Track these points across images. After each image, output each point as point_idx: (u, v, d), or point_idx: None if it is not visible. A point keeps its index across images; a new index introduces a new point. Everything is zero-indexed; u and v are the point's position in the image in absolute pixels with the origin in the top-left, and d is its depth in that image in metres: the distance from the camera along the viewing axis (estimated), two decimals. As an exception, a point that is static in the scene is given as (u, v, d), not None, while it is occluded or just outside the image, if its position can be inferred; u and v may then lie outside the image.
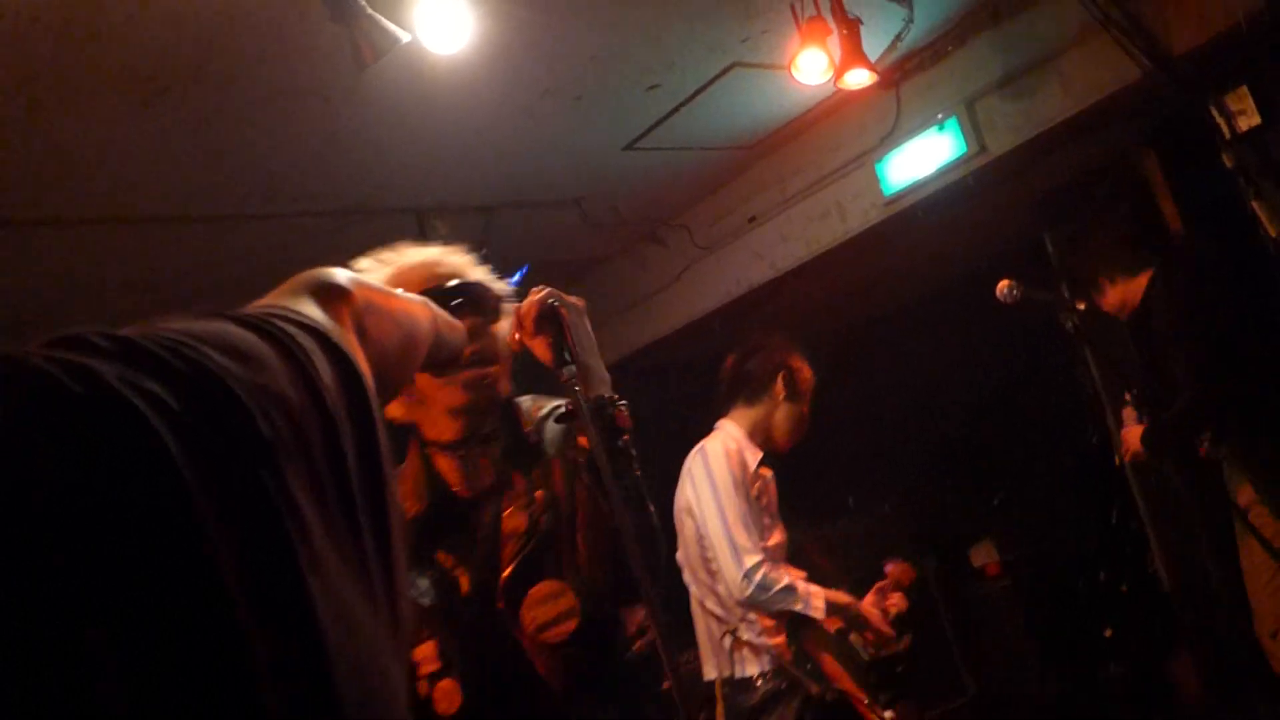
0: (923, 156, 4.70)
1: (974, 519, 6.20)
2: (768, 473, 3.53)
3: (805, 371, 3.62)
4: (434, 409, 1.82)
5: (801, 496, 6.43)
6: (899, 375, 6.59)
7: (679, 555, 3.47)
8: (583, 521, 1.74)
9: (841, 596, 3.34)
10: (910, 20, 4.17)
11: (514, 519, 1.80)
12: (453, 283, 1.78)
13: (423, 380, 1.77)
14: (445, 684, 1.70)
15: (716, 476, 3.36)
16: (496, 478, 1.84)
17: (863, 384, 6.95)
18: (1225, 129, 4.11)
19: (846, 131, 5.01)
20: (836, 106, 4.87)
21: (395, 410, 1.84)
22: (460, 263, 1.87)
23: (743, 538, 3.25)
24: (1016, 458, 6.08)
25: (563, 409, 1.72)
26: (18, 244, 4.03)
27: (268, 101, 3.43)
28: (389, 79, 3.39)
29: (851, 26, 3.71)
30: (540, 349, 1.71)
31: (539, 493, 1.81)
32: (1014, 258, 5.03)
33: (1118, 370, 4.23)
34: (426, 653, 1.71)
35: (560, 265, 5.80)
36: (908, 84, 4.72)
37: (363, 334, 0.79)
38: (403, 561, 0.70)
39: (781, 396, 3.55)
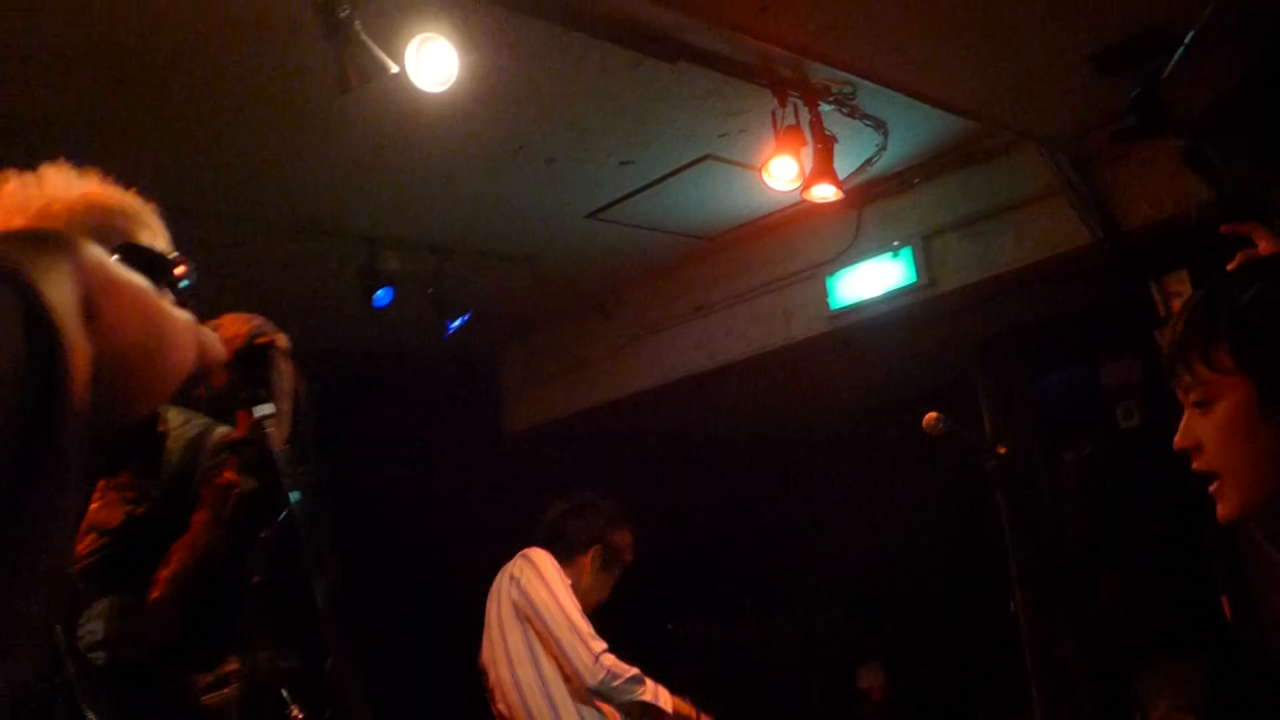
0: (873, 278, 4.80)
1: (866, 641, 6.22)
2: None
3: (626, 546, 3.58)
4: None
5: (699, 586, 6.43)
6: (816, 488, 6.64)
7: (491, 673, 3.43)
8: (189, 544, 1.58)
9: (684, 706, 3.35)
10: (883, 148, 4.28)
11: (104, 512, 1.60)
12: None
13: None
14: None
15: (548, 575, 3.35)
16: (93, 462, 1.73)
17: (779, 490, 6.99)
18: (1161, 307, 4.26)
19: (804, 241, 5.11)
20: (798, 215, 4.96)
21: None
22: (136, 213, 1.54)
23: (586, 626, 3.26)
24: (917, 588, 6.13)
25: (240, 442, 1.56)
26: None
27: (242, 102, 3.41)
28: (368, 106, 3.39)
29: (826, 142, 3.81)
30: (219, 380, 1.50)
31: (154, 492, 1.63)
32: (946, 392, 5.13)
33: (1025, 518, 4.31)
34: None
35: (503, 318, 5.80)
36: (870, 206, 4.83)
37: (94, 314, 0.59)
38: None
39: (590, 568, 3.50)
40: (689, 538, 6.73)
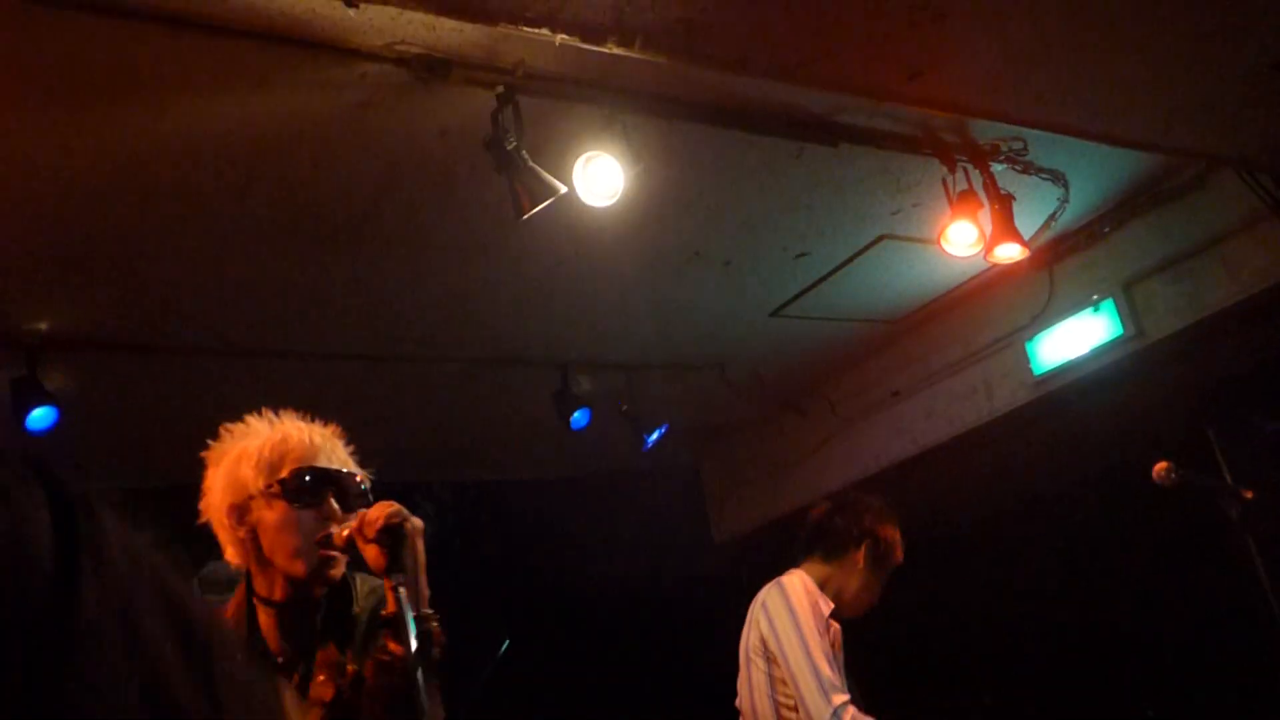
0: (1076, 337, 4.58)
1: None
2: (838, 625, 3.34)
3: (895, 544, 3.44)
4: (272, 570, 1.96)
5: (930, 685, 6.11)
6: (1044, 562, 6.26)
7: (739, 702, 3.29)
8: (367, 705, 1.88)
9: None
10: (1065, 200, 4.14)
11: (323, 687, 1.90)
12: (322, 465, 1.97)
13: (272, 539, 1.93)
14: None
15: (797, 610, 3.17)
16: (310, 644, 1.96)
17: (1006, 570, 6.64)
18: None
19: (995, 309, 4.95)
20: (986, 284, 4.83)
21: (233, 554, 1.99)
22: (318, 443, 2.02)
23: (829, 672, 3.06)
24: (1168, 664, 5.65)
25: (385, 612, 1.84)
26: (183, 371, 4.28)
27: (428, 247, 3.61)
28: (545, 232, 3.53)
29: (1004, 202, 3.71)
30: (372, 554, 1.84)
31: (350, 668, 1.92)
32: (1173, 448, 4.80)
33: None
34: None
35: (699, 428, 5.82)
36: (1061, 264, 4.65)
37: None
38: None
39: (861, 564, 3.36)
40: (918, 635, 6.46)
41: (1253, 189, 3.88)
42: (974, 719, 5.74)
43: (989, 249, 3.73)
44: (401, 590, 1.75)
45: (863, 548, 3.38)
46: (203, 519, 2.01)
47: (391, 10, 2.49)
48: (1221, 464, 4.78)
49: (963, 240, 3.68)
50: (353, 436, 5.37)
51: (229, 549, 2.00)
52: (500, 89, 2.90)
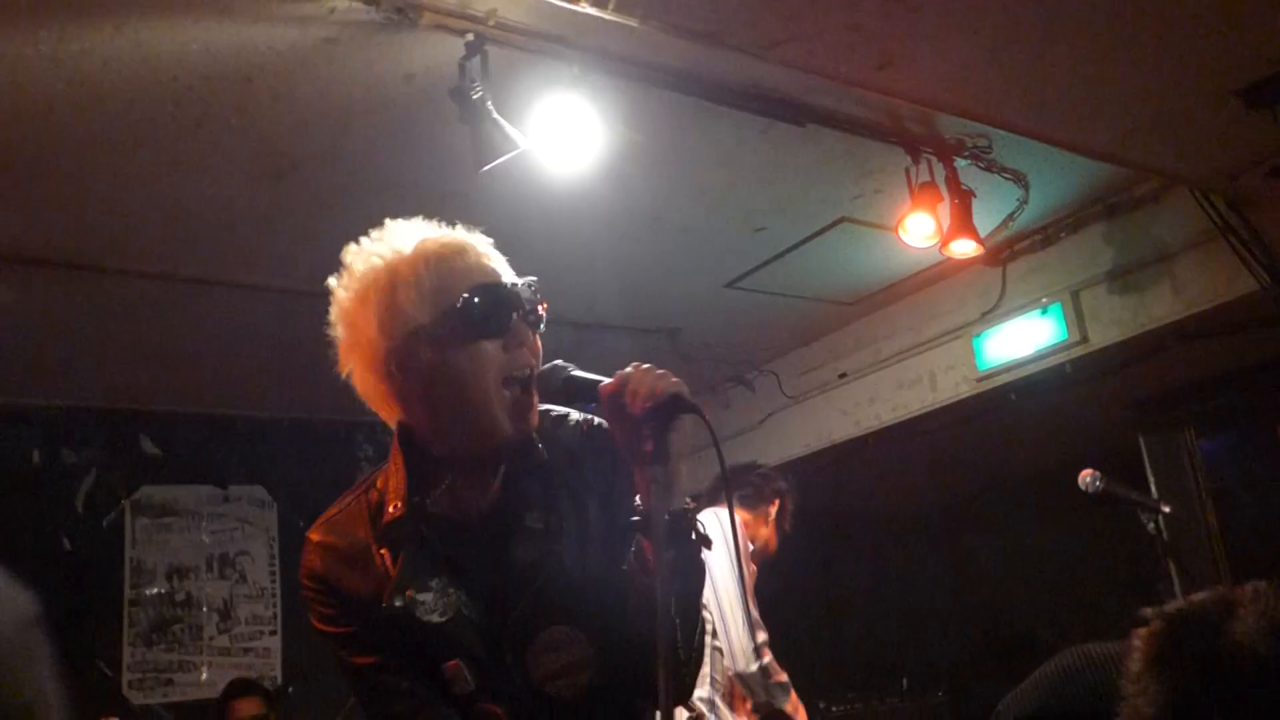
0: (1022, 337, 4.65)
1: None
2: (754, 567, 3.62)
3: (789, 514, 3.89)
4: (449, 423, 1.57)
5: (854, 667, 6.22)
6: (972, 558, 6.39)
7: None
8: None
9: None
10: (1024, 201, 4.18)
11: (527, 551, 1.57)
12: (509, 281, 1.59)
13: (453, 383, 1.53)
14: (487, 709, 1.55)
15: (732, 539, 3.24)
16: (503, 502, 1.60)
17: (930, 562, 6.77)
18: (1341, 353, 3.99)
19: (947, 302, 5.00)
20: (940, 275, 4.87)
21: (388, 413, 1.62)
22: (483, 251, 1.63)
23: (756, 610, 3.19)
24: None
25: (636, 517, 1.51)
26: (128, 294, 4.22)
27: (386, 190, 3.57)
28: (506, 186, 3.50)
29: (964, 197, 3.75)
30: (625, 432, 1.48)
31: (549, 522, 1.60)
32: (1105, 456, 4.90)
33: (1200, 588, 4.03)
34: (455, 672, 1.54)
35: (645, 393, 5.84)
36: (1015, 263, 4.71)
37: None
38: None
39: (772, 517, 3.77)
40: (839, 614, 6.56)
41: (1205, 210, 3.94)
42: (890, 700, 5.86)
43: (945, 242, 3.76)
44: (655, 483, 1.42)
45: (773, 505, 3.79)
46: (344, 370, 1.60)
47: (364, -53, 2.45)
48: (1150, 475, 4.90)
49: (920, 231, 3.71)
50: (296, 373, 5.31)
51: (382, 407, 1.61)
52: (470, 37, 2.86)
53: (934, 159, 3.75)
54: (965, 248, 3.78)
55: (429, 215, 3.83)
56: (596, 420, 1.66)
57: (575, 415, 1.69)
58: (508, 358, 1.54)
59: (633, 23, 2.57)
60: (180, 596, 5.66)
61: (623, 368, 1.52)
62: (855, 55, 2.80)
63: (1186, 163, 3.71)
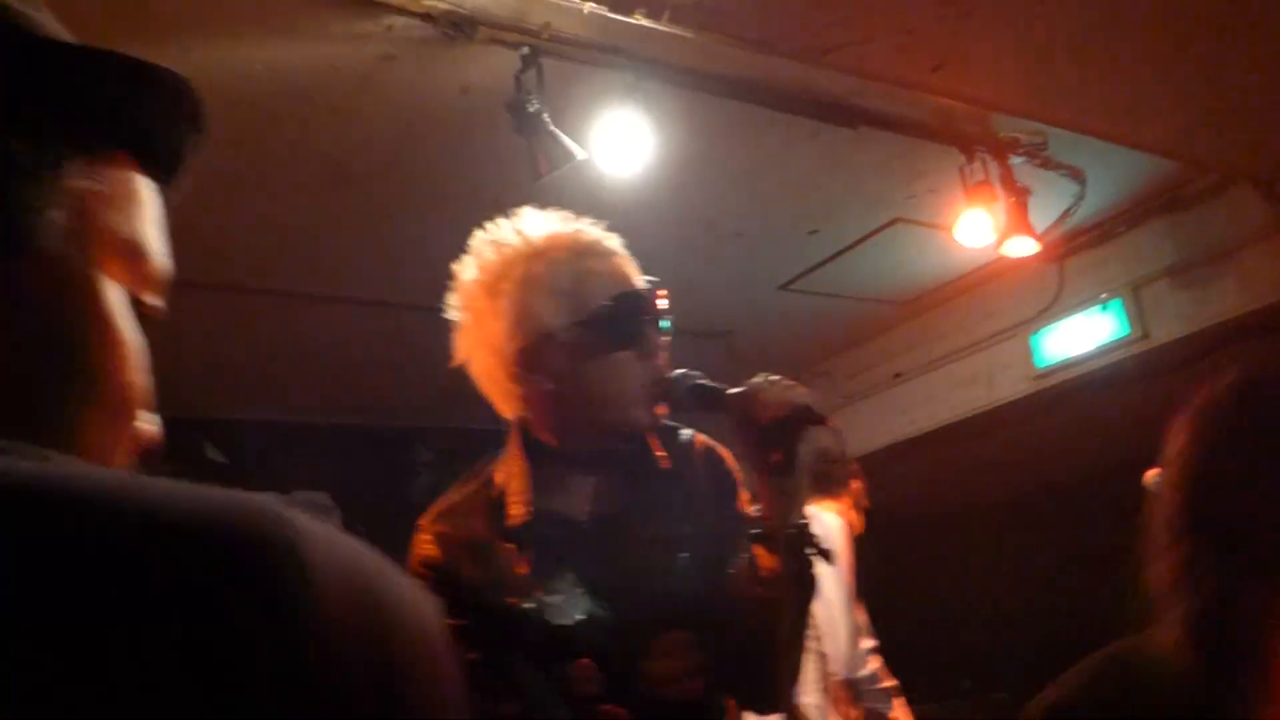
0: (1081, 334, 4.60)
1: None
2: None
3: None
4: (576, 425, 1.56)
5: (916, 669, 6.18)
6: (1033, 558, 6.33)
7: None
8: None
9: None
10: (1082, 197, 4.14)
11: (644, 557, 1.56)
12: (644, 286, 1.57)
13: (589, 388, 1.52)
14: (614, 710, 1.51)
15: (838, 545, 3.14)
16: (622, 506, 1.58)
17: (992, 564, 6.71)
18: None
19: (1003, 300, 4.96)
20: (996, 274, 4.83)
21: (511, 410, 1.59)
22: (620, 254, 1.63)
23: (863, 615, 3.10)
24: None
25: (756, 529, 1.49)
26: (189, 305, 4.32)
27: (443, 201, 3.63)
28: (559, 193, 3.53)
29: (1020, 195, 3.72)
30: (752, 441, 1.46)
31: (668, 529, 1.57)
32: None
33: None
34: (585, 672, 1.51)
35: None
36: (1073, 259, 4.66)
37: None
38: None
39: (855, 496, 3.49)
40: (899, 615, 6.52)
41: (1269, 203, 3.88)
42: (951, 700, 5.82)
43: (1001, 241, 3.74)
44: (779, 494, 1.41)
45: (854, 482, 3.54)
46: (460, 363, 1.59)
47: (421, -34, 2.50)
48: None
49: (976, 231, 3.69)
50: (355, 381, 5.39)
51: (502, 400, 1.59)
52: (525, 50, 2.90)
53: (988, 157, 3.73)
54: (1023, 246, 3.76)
55: (486, 225, 3.88)
56: (706, 438, 1.66)
57: (686, 430, 1.68)
58: (643, 367, 1.54)
59: (687, 33, 2.59)
60: (246, 601, 5.76)
61: (682, 371, 1.56)
62: (909, 59, 2.80)
63: (1248, 156, 3.66)
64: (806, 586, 1.45)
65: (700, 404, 1.54)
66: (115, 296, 0.60)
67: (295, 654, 0.42)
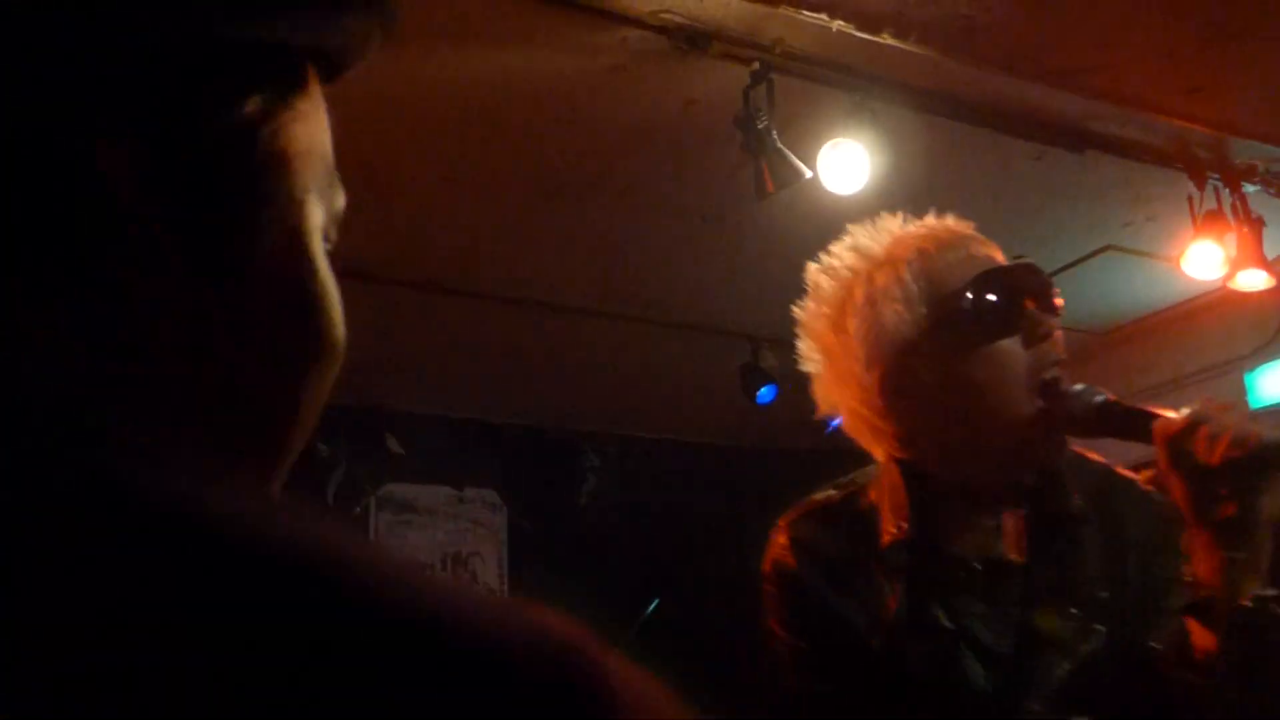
0: (1302, 374, 4.34)
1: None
2: None
3: None
4: (959, 449, 1.31)
5: None
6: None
7: None
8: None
9: None
10: (1316, 229, 3.90)
11: (1048, 619, 1.29)
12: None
13: (965, 399, 1.28)
14: None
15: None
16: (1026, 553, 1.31)
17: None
18: None
19: (1213, 334, 4.71)
20: (1208, 306, 4.60)
21: (882, 450, 1.37)
22: (967, 233, 1.40)
23: None
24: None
25: (1193, 600, 1.19)
26: (394, 301, 4.46)
27: (656, 212, 3.65)
28: (771, 209, 3.51)
29: (1254, 225, 3.53)
30: (1191, 487, 1.16)
31: (1085, 589, 1.29)
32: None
33: None
34: None
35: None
36: (1297, 295, 4.39)
37: None
38: None
39: None
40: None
41: None
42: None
43: (1232, 274, 3.55)
44: (1235, 560, 1.12)
45: None
46: (826, 411, 1.39)
47: (666, -21, 2.51)
48: None
49: (1206, 262, 3.51)
50: (529, 381, 5.45)
51: (874, 444, 1.37)
52: (756, 65, 2.89)
53: (1220, 185, 3.55)
54: (1255, 279, 3.56)
55: (699, 238, 3.89)
56: (1129, 472, 1.38)
57: (1097, 460, 1.39)
58: (1032, 354, 1.27)
59: (932, 54, 2.54)
60: (416, 592, 5.92)
61: (1083, 385, 1.27)
62: (1165, 82, 2.68)
63: None
64: (1258, 681, 1.16)
65: (1110, 428, 1.24)
66: (319, 246, 0.52)
67: None
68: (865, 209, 3.44)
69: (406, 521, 5.96)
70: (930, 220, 1.43)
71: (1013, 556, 1.32)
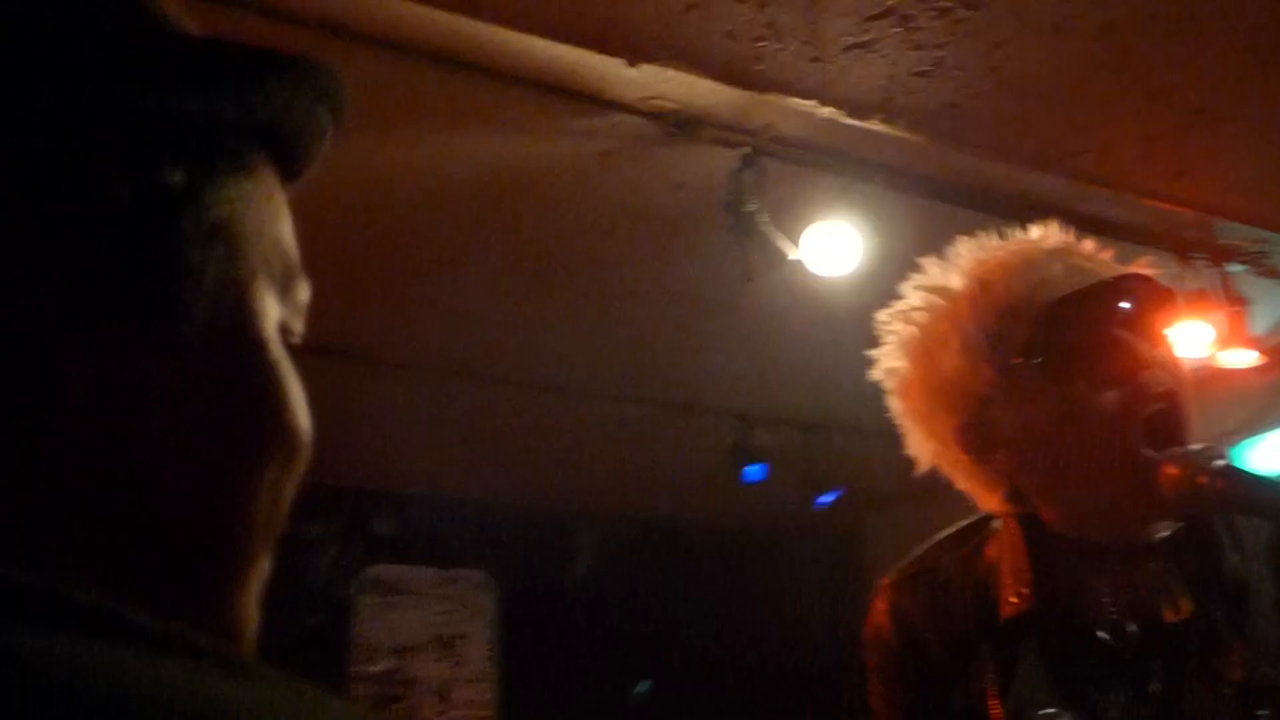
0: (1290, 450, 4.34)
1: None
2: None
3: None
4: (1068, 500, 1.14)
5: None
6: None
7: None
8: None
9: None
10: (1302, 308, 3.94)
11: (1197, 697, 1.10)
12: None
13: (1052, 449, 1.12)
14: None
15: None
16: (1161, 613, 1.13)
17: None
18: None
19: (1200, 410, 4.71)
20: (1194, 383, 4.61)
21: (991, 498, 1.22)
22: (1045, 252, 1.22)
23: None
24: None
25: None
26: (382, 382, 4.44)
27: (644, 295, 3.66)
28: (763, 293, 3.52)
29: (1239, 304, 3.56)
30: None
31: (1248, 660, 1.10)
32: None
33: None
34: None
35: (867, 493, 5.72)
36: (1282, 371, 4.41)
37: None
38: None
39: None
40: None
41: None
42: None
43: (1218, 351, 3.57)
44: None
45: None
46: (923, 467, 1.25)
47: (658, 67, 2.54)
48: None
49: (1195, 340, 3.53)
50: (522, 460, 5.42)
51: (984, 495, 1.22)
52: (746, 150, 2.92)
53: (1205, 264, 3.58)
54: (1242, 358, 3.58)
55: (687, 321, 3.89)
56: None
57: (1251, 518, 1.20)
58: (1131, 388, 1.10)
59: (921, 139, 2.56)
60: (401, 675, 5.81)
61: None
62: (1150, 166, 2.72)
63: None
64: None
65: (1232, 500, 1.09)
66: (270, 332, 0.50)
67: None
68: (854, 289, 3.48)
69: (392, 604, 5.86)
70: (1017, 234, 1.27)
71: (1163, 623, 1.14)
